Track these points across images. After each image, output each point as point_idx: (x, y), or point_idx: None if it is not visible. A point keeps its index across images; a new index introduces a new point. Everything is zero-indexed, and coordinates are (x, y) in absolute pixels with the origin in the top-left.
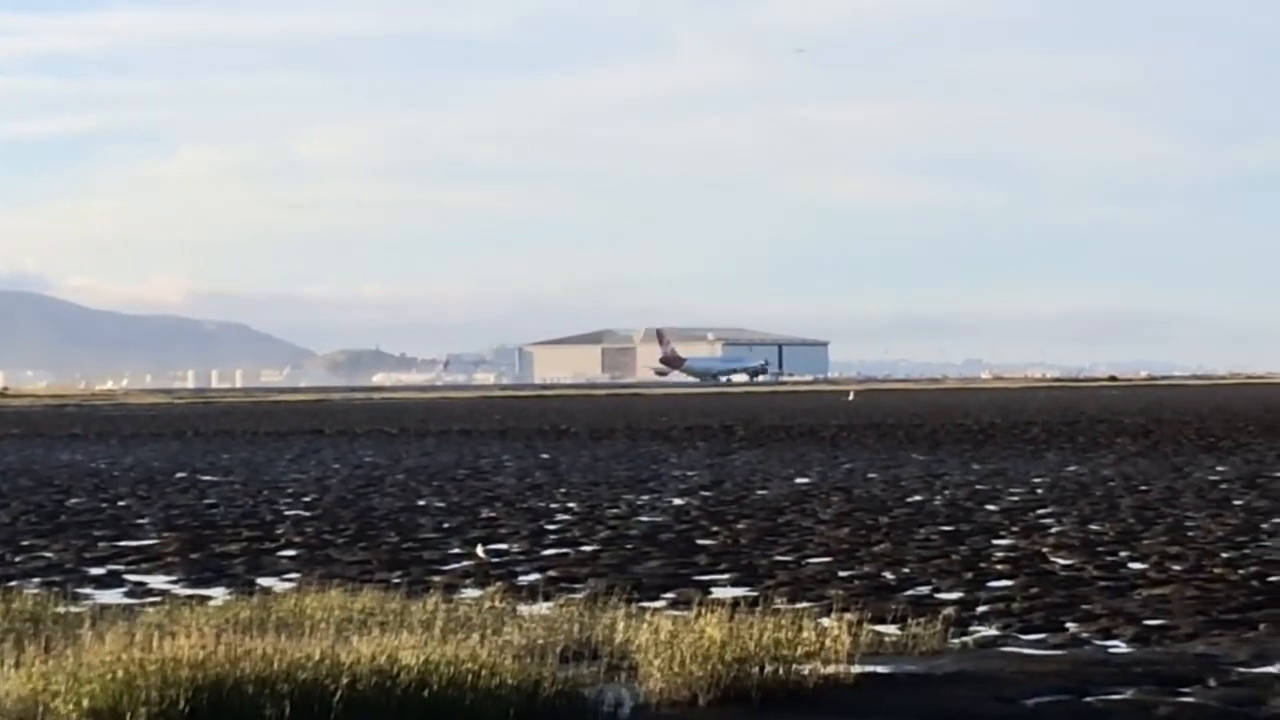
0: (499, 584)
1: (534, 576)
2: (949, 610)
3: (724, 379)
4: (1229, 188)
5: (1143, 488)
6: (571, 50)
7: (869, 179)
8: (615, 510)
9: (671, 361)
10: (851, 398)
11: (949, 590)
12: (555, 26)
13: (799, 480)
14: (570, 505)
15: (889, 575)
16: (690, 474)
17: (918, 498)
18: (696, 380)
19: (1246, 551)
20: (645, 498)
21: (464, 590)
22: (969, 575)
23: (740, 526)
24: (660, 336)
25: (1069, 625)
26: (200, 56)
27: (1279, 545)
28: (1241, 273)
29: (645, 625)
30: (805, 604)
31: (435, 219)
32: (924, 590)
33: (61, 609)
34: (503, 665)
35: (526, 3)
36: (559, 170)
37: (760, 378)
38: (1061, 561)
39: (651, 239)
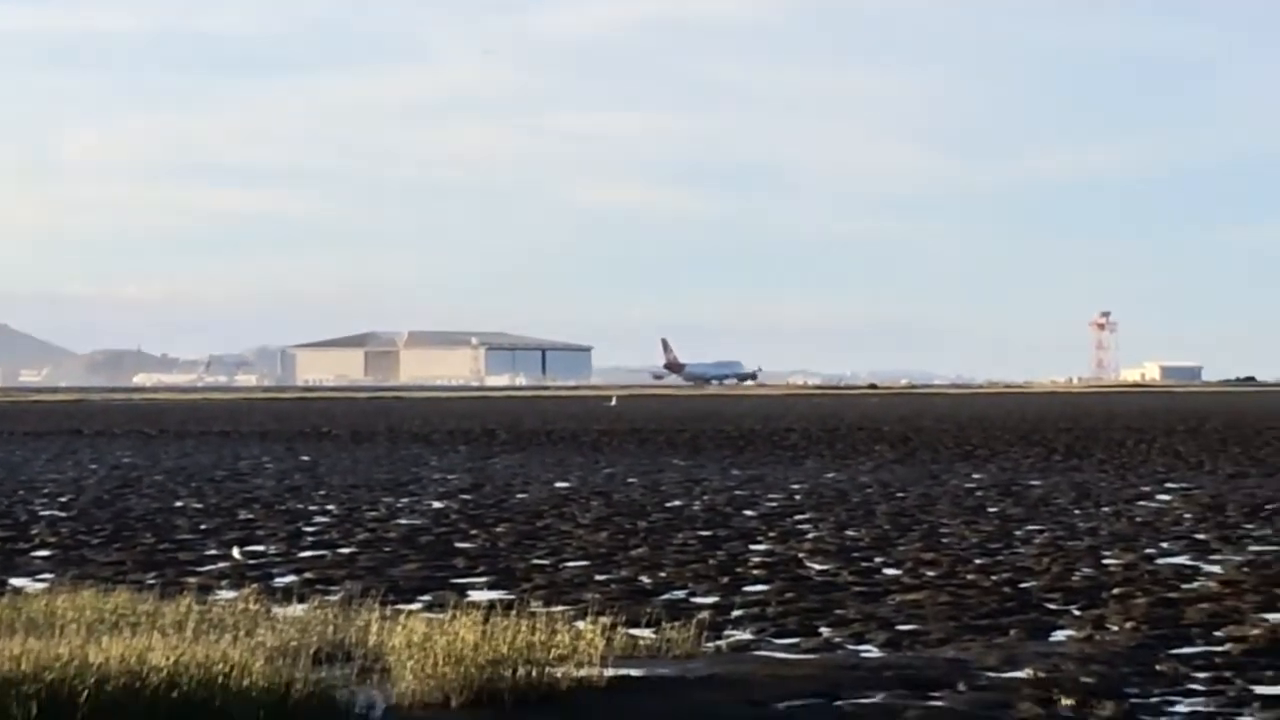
0: (254, 585)
1: (290, 578)
2: (704, 614)
3: (716, 383)
4: (988, 201)
5: (899, 495)
6: (332, 54)
7: (632, 186)
8: (374, 513)
9: (673, 367)
10: (614, 403)
11: (705, 595)
12: (315, 29)
13: (559, 484)
14: (329, 507)
15: (646, 579)
16: (450, 477)
17: (677, 503)
18: (691, 384)
19: (999, 558)
20: (405, 500)
21: (219, 591)
22: (725, 580)
23: (499, 530)
24: (665, 345)
25: (822, 630)
26: None
27: (1031, 552)
28: (1001, 284)
29: (399, 627)
30: (561, 607)
31: (199, 219)
32: (680, 594)
33: None
34: (254, 667)
35: (285, 5)
36: (323, 173)
37: (748, 382)
38: (817, 567)
39: (416, 243)
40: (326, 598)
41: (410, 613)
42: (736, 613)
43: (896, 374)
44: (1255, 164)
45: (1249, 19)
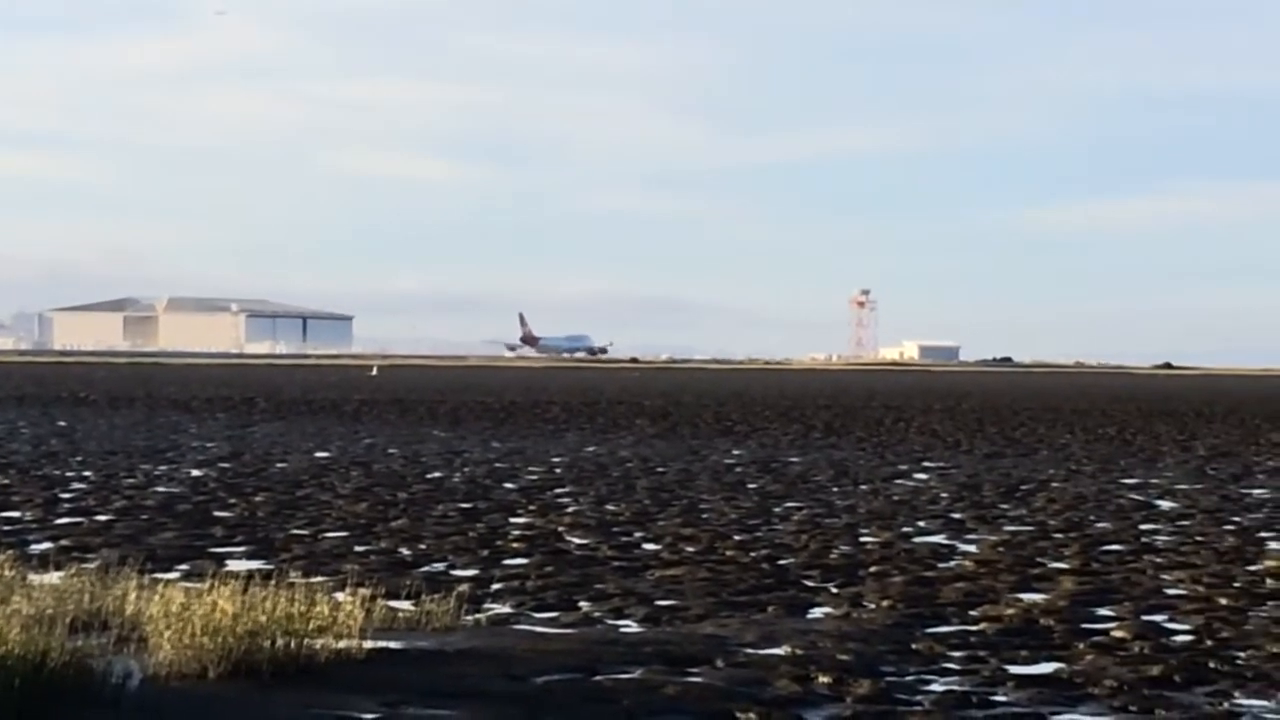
0: (9, 553)
1: (46, 545)
2: (463, 587)
3: (566, 354)
4: (747, 178)
5: (660, 470)
6: (91, 16)
7: (393, 156)
8: (131, 480)
9: (528, 340)
10: (375, 372)
11: (465, 567)
12: None
13: (319, 454)
14: (86, 474)
15: (405, 551)
16: (209, 445)
17: (437, 474)
18: (545, 356)
19: (758, 535)
20: (163, 468)
21: None
22: (485, 553)
23: (258, 499)
24: (521, 319)
25: (582, 604)
26: None
27: (789, 529)
28: (761, 260)
29: (157, 597)
30: (320, 578)
31: None
32: (440, 567)
33: None
34: (9, 635)
35: None
36: (81, 137)
37: (598, 354)
38: (577, 541)
39: (176, 208)
40: (83, 566)
41: (168, 582)
42: (496, 586)
43: (657, 348)
44: (1013, 147)
45: (1017, 7)
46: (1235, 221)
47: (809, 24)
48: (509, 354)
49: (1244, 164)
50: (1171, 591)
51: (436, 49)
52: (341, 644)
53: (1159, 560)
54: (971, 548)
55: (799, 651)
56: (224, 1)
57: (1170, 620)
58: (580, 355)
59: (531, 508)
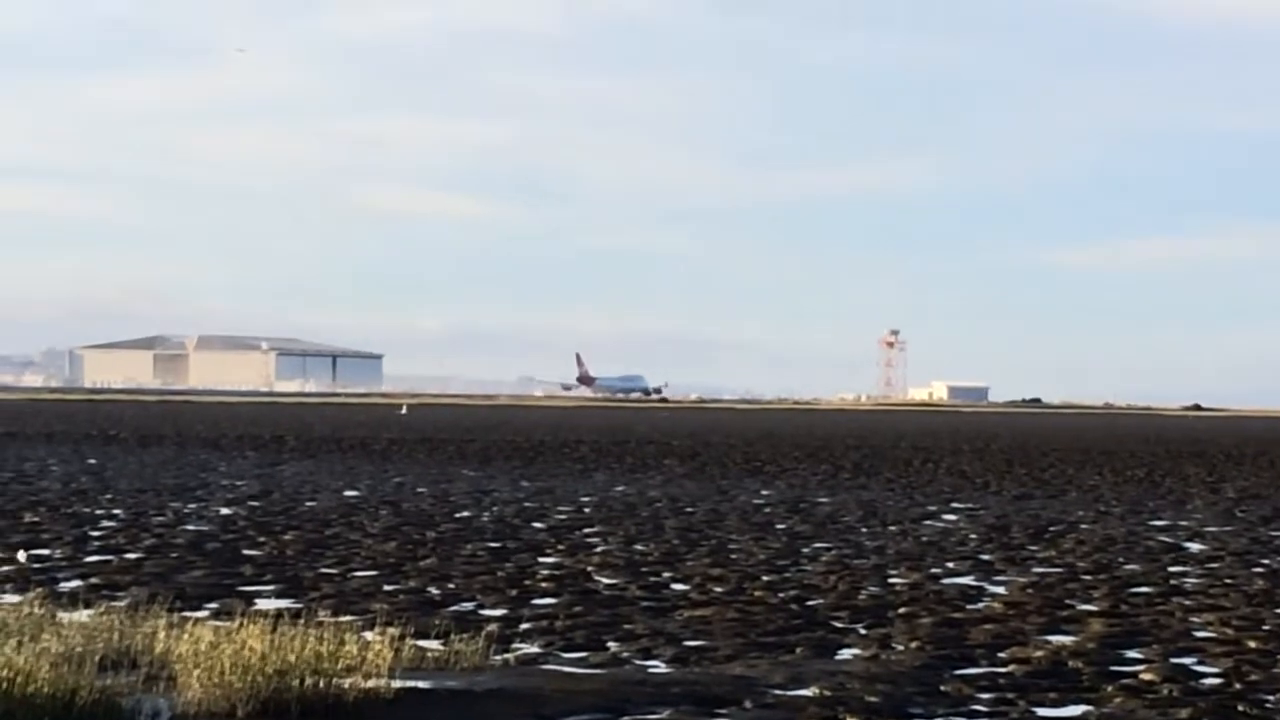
0: (40, 590)
1: (76, 583)
2: (492, 627)
3: (621, 394)
4: (777, 215)
5: (688, 509)
6: (115, 52)
7: (418, 193)
8: (161, 518)
9: (585, 380)
10: (404, 411)
11: (493, 607)
12: (96, 27)
13: (348, 493)
14: (116, 512)
15: (434, 590)
16: (239, 483)
17: (466, 513)
18: (601, 395)
19: (787, 575)
20: (192, 506)
21: (3, 596)
22: (514, 592)
23: (287, 538)
24: (578, 359)
25: (610, 644)
26: None
27: (818, 570)
28: (790, 300)
29: (186, 635)
30: (349, 617)
31: None
32: (469, 606)
33: None
34: (39, 673)
35: (73, 4)
36: (110, 174)
37: (653, 395)
38: (606, 581)
39: (206, 246)
40: (113, 604)
41: (197, 620)
42: (525, 626)
43: (685, 388)
44: (1042, 185)
45: (1043, 44)
46: (1266, 261)
47: (832, 61)
48: (563, 392)
49: (1276, 202)
50: (1201, 634)
51: (460, 85)
52: (370, 683)
53: (1188, 603)
54: (1000, 589)
55: (827, 693)
56: (245, 39)
57: (1199, 663)
58: (636, 395)
59: (560, 547)
